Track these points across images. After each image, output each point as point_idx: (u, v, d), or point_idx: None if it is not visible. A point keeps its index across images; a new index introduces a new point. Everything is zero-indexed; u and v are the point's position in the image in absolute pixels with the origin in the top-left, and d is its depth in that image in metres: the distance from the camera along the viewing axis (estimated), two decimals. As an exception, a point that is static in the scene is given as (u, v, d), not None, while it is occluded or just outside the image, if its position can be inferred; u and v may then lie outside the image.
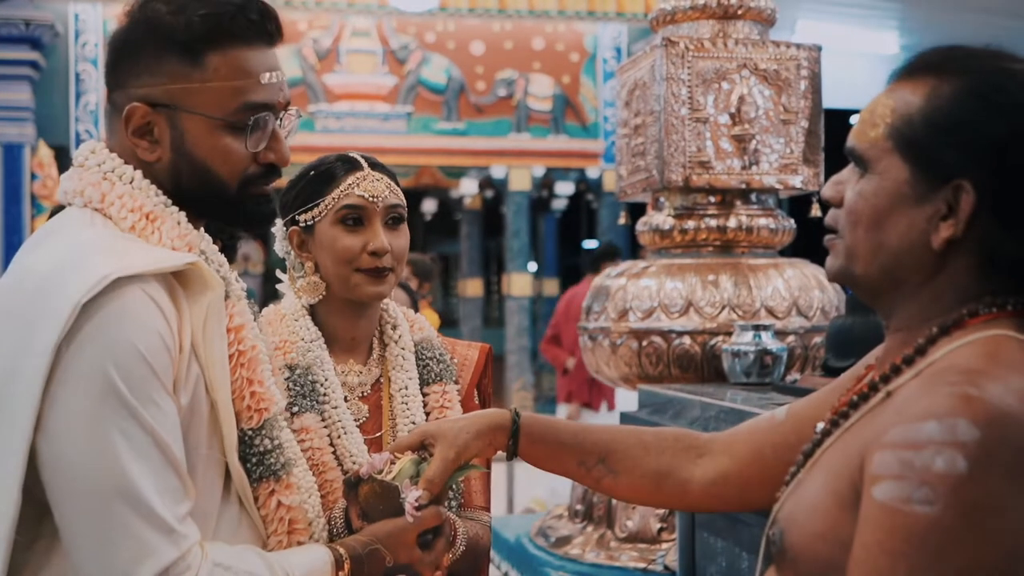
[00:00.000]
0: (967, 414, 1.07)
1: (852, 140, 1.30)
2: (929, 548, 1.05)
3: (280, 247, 2.01)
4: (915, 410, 1.11)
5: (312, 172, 1.96)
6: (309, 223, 1.95)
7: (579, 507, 4.00)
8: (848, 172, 1.31)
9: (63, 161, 10.14)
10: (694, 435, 1.66)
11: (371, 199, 1.92)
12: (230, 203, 1.51)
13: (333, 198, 1.92)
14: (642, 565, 3.66)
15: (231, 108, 1.46)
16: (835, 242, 1.32)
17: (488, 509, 2.04)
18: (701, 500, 1.62)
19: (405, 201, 1.99)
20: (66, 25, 11.05)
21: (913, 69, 1.26)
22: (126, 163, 1.48)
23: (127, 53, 1.48)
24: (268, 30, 1.49)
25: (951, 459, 1.05)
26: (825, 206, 1.35)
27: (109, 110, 1.52)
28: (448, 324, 16.28)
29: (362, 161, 1.96)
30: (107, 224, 1.44)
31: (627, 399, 4.41)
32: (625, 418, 3.55)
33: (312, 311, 1.99)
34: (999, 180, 1.17)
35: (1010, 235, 1.19)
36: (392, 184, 1.97)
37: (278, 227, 2.00)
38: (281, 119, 1.53)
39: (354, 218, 1.92)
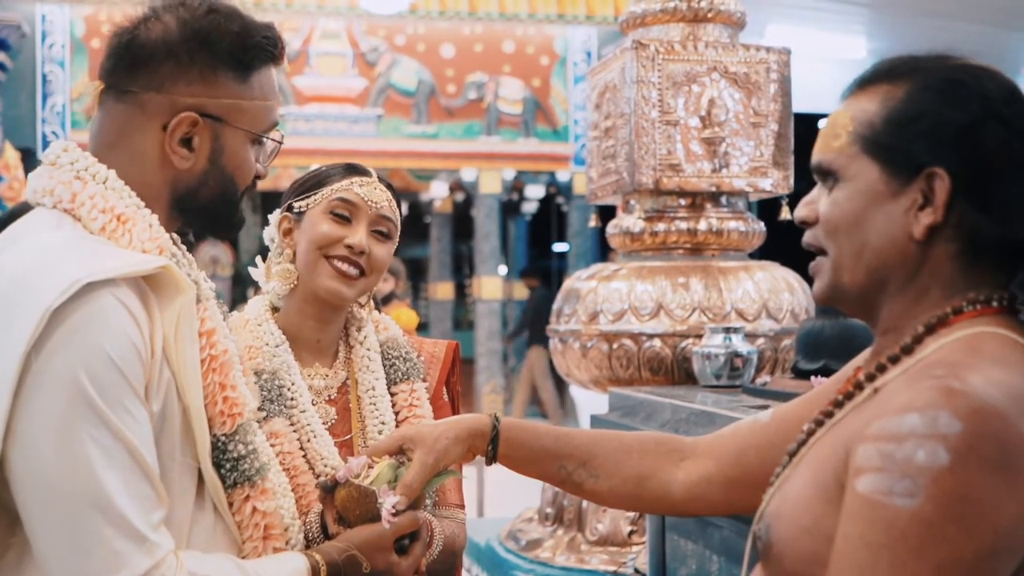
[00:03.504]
0: (949, 407, 1.07)
1: (817, 155, 1.32)
2: (910, 541, 1.05)
3: (269, 232, 2.02)
4: (898, 403, 1.12)
5: (322, 168, 2.00)
6: (302, 209, 1.96)
7: (549, 510, 4.01)
8: (817, 191, 1.33)
9: (29, 163, 10.04)
10: (676, 439, 1.66)
11: (366, 200, 1.93)
12: (233, 210, 1.55)
13: (332, 189, 1.94)
14: (612, 568, 3.66)
15: (265, 125, 1.53)
16: (821, 263, 1.33)
17: (463, 507, 2.04)
18: (684, 503, 1.61)
19: (398, 219, 2.00)
20: (33, 26, 10.96)
21: (864, 82, 1.30)
22: (126, 168, 1.46)
23: (173, 60, 1.46)
24: (282, 54, 1.56)
25: (933, 451, 1.05)
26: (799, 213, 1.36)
27: (123, 109, 1.47)
28: (418, 327, 16.22)
29: (372, 172, 1.99)
30: (75, 226, 1.42)
31: (594, 402, 4.42)
32: (596, 421, 3.55)
33: (278, 316, 1.98)
34: (970, 164, 1.20)
35: (987, 217, 1.21)
36: (392, 200, 1.98)
37: (274, 215, 2.02)
38: None
39: (344, 213, 1.93)
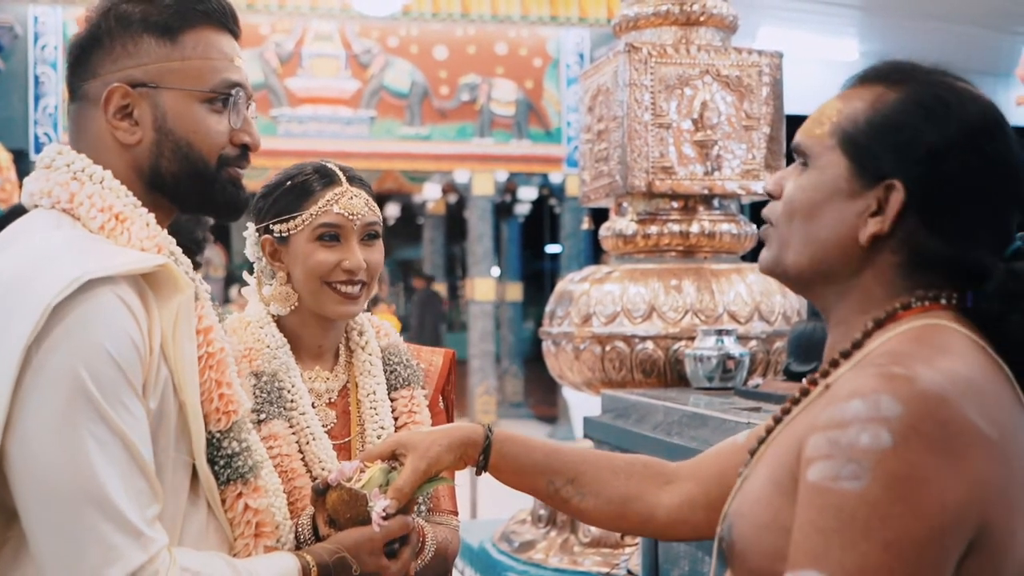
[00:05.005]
0: (889, 390, 1.10)
1: (799, 136, 1.35)
2: (858, 523, 1.07)
3: (251, 252, 1.99)
4: (844, 392, 1.15)
5: (289, 182, 1.94)
6: (284, 235, 1.92)
7: (542, 512, 4.01)
8: (791, 168, 1.36)
9: (21, 165, 10.03)
10: (663, 463, 1.68)
11: (349, 216, 1.90)
12: (208, 182, 1.52)
13: (311, 214, 1.90)
14: (605, 570, 3.67)
15: (212, 83, 1.50)
16: (768, 232, 1.37)
17: (456, 514, 2.04)
18: (667, 527, 1.63)
19: (380, 216, 1.98)
20: (25, 27, 10.95)
21: (864, 78, 1.33)
22: (95, 163, 1.48)
23: (97, 45, 1.49)
24: (232, 21, 1.55)
25: (876, 434, 1.08)
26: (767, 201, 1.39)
27: (77, 107, 1.52)
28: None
29: (340, 175, 1.94)
30: (75, 225, 1.43)
31: (587, 404, 4.43)
32: (589, 423, 3.56)
33: (279, 319, 1.97)
34: (929, 184, 1.23)
35: (934, 237, 1.24)
36: (369, 200, 1.95)
37: (250, 232, 1.99)
38: (248, 108, 1.57)
39: (331, 235, 1.90)
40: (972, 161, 1.22)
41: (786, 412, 1.31)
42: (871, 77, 1.31)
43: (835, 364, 1.27)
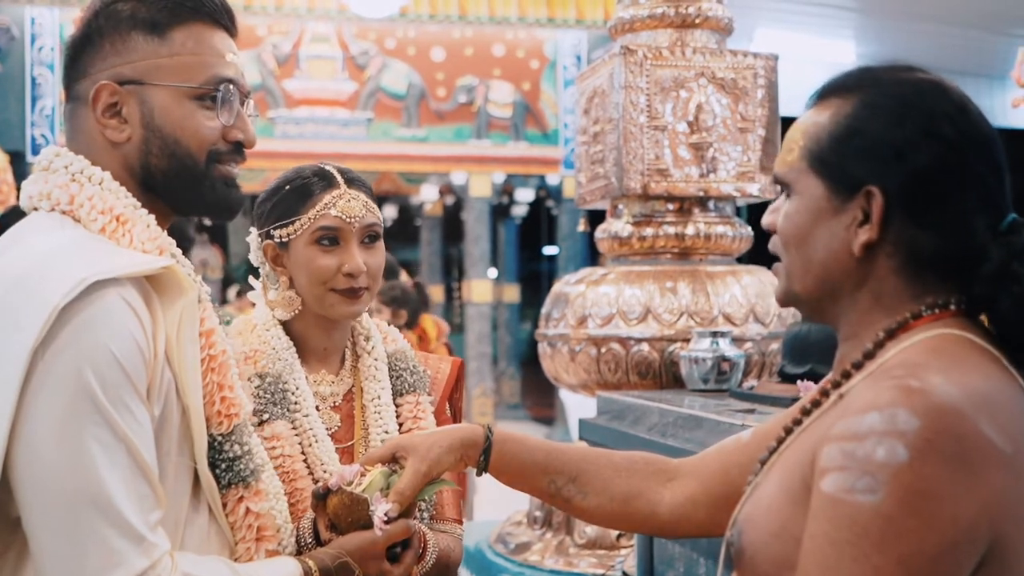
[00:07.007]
0: (907, 404, 1.10)
1: (776, 168, 1.38)
2: (872, 536, 1.08)
3: (255, 257, 1.99)
4: (860, 404, 1.15)
5: (288, 187, 1.94)
6: (284, 239, 1.93)
7: (538, 514, 4.02)
8: (780, 200, 1.38)
9: (18, 167, 10.03)
10: (664, 460, 1.68)
11: (347, 219, 1.90)
12: (198, 180, 1.51)
13: (309, 217, 1.90)
14: (601, 571, 3.68)
15: (200, 79, 1.49)
16: (777, 268, 1.38)
17: (460, 522, 2.03)
18: (670, 524, 1.63)
19: (381, 217, 1.98)
20: (22, 29, 10.94)
21: (822, 94, 1.34)
22: (93, 164, 1.47)
23: (89, 45, 1.49)
24: (226, 17, 1.54)
25: (892, 448, 1.08)
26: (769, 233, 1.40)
27: (71, 108, 1.52)
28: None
29: (339, 177, 1.94)
30: (77, 227, 1.43)
31: (583, 405, 4.43)
32: (584, 425, 3.56)
33: (285, 322, 1.97)
34: (904, 181, 1.23)
35: (925, 231, 1.24)
36: (368, 202, 1.94)
37: (252, 237, 1.99)
38: (245, 105, 1.55)
39: (330, 238, 1.90)
40: (938, 148, 1.23)
41: (797, 422, 1.31)
42: (828, 92, 1.33)
43: (847, 375, 1.27)
